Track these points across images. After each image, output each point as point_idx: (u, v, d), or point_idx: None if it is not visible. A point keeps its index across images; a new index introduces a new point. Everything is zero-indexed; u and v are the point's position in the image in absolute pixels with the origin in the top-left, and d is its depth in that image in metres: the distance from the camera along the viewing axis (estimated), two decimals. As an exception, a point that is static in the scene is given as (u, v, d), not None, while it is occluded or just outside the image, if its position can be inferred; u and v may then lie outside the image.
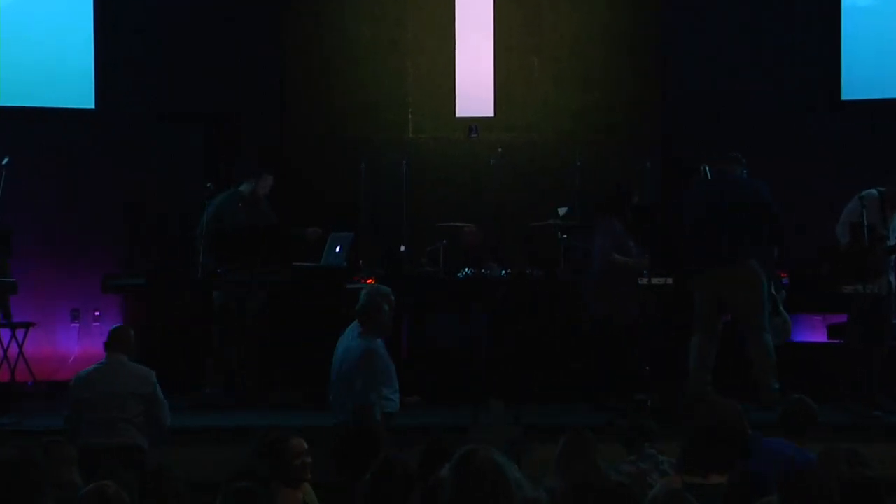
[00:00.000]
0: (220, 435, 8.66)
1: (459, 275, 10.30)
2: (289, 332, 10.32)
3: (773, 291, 9.40)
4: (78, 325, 11.32)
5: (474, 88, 11.73)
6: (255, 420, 9.05)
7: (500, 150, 11.05)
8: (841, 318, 9.95)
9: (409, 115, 11.86)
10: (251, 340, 9.90)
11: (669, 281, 9.95)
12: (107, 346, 7.70)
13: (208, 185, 10.17)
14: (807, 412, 6.40)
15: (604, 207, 9.77)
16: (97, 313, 11.29)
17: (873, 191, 9.41)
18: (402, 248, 10.65)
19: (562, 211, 10.62)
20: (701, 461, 5.09)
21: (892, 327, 9.46)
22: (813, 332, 10.86)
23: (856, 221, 9.26)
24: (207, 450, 8.27)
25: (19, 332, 9.86)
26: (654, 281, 9.85)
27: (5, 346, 9.76)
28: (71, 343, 11.30)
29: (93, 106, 11.44)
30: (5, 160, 9.48)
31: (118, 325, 8.48)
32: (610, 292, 9.60)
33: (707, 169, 9.63)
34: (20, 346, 9.80)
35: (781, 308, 9.49)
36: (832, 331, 10.43)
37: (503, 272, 10.36)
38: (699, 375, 9.23)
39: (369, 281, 9.97)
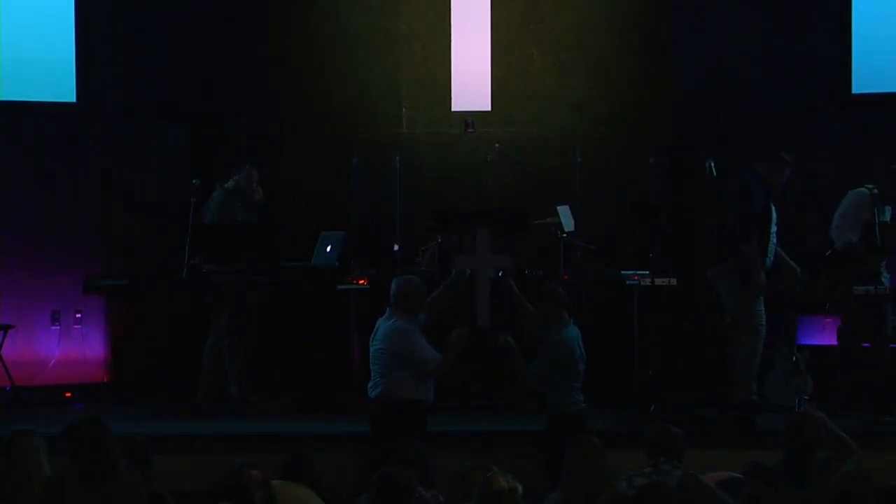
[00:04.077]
0: (210, 443, 8.61)
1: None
2: (278, 335, 10.30)
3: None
4: (58, 327, 11.12)
5: (471, 81, 11.53)
6: (246, 428, 9.09)
7: (497, 145, 10.82)
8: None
9: (403, 109, 11.64)
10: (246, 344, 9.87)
11: (673, 281, 9.70)
12: None
13: (194, 181, 9.98)
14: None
15: None
16: (79, 315, 11.13)
17: (863, 189, 9.47)
18: (396, 247, 10.43)
19: (561, 209, 10.39)
20: None
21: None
22: (823, 335, 10.74)
23: (868, 221, 9.34)
24: (197, 458, 8.19)
25: (-3, 335, 9.80)
26: (658, 282, 9.59)
27: (-18, 350, 9.69)
28: (51, 346, 11.07)
29: (74, 100, 11.20)
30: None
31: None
32: None
33: (712, 165, 9.45)
34: (-2, 350, 9.70)
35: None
36: (842, 333, 10.15)
37: (500, 273, 10.10)
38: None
39: (361, 282, 9.85)
